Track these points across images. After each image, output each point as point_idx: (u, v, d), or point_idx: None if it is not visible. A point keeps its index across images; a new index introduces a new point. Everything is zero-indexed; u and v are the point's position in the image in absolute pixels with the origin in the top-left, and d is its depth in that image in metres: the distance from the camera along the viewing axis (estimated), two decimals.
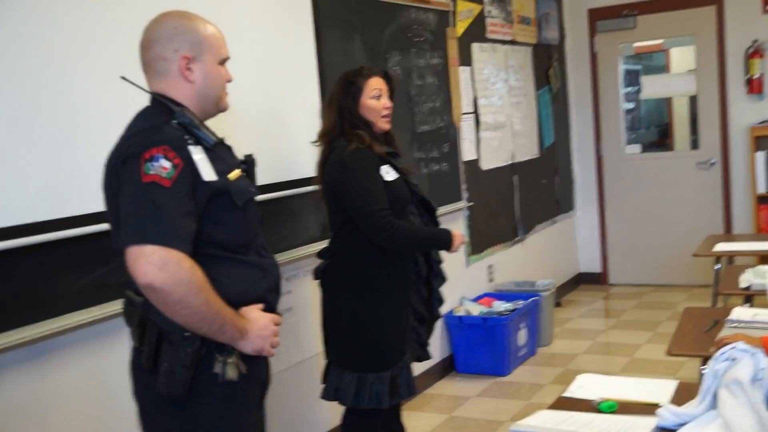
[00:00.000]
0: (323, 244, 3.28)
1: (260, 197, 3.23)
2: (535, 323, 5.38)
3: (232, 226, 2.07)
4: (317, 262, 3.28)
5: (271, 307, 2.17)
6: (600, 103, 7.23)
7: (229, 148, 2.20)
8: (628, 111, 7.50)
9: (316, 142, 3.23)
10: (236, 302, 2.05)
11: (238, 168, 2.13)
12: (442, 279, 3.37)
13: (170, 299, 1.89)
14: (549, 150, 6.75)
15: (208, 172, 2.00)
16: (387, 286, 3.11)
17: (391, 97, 3.24)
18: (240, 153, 2.29)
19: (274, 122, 3.58)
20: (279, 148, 3.60)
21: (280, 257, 3.53)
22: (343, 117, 3.12)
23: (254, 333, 2.06)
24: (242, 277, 2.09)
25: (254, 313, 2.08)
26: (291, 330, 3.77)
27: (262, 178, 3.34)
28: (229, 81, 2.21)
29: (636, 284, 7.23)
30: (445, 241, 3.16)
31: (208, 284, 1.95)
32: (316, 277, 3.23)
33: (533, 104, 6.48)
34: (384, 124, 3.17)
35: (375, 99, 3.14)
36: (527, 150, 6.34)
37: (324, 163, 3.15)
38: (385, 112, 3.16)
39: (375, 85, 3.15)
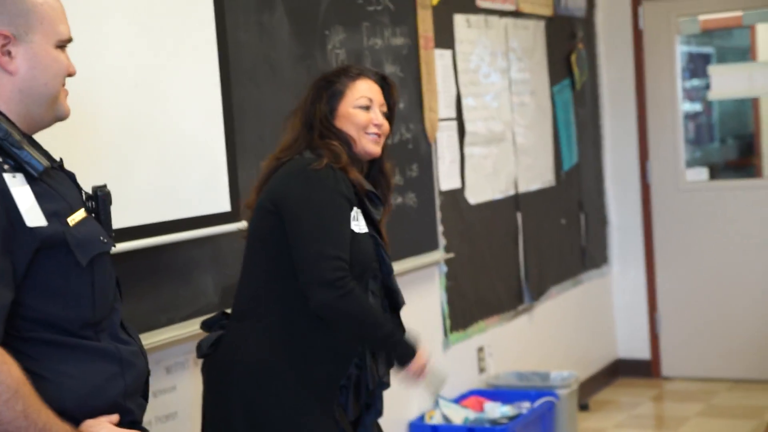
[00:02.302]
0: None
1: (126, 246, 3.26)
2: None
3: (72, 296, 2.08)
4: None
5: (131, 419, 2.17)
6: (647, 105, 7.34)
7: (69, 177, 2.21)
8: (692, 116, 7.60)
9: (268, 161, 3.27)
10: (75, 412, 2.04)
11: (81, 207, 2.14)
12: (377, 412, 3.37)
13: None
14: (570, 175, 6.83)
15: (33, 214, 2.01)
16: (313, 380, 3.11)
17: (391, 116, 3.31)
18: (88, 183, 2.28)
19: (152, 134, 3.57)
20: (158, 172, 3.59)
21: (157, 337, 3.52)
22: (311, 129, 3.18)
23: None
24: (86, 374, 2.09)
25: (103, 429, 2.07)
26: None
27: (130, 216, 3.35)
28: (71, 74, 2.23)
29: (703, 378, 7.28)
30: (406, 353, 3.18)
31: (28, 386, 1.95)
32: (200, 354, 3.23)
33: (547, 106, 6.55)
34: (370, 145, 3.22)
35: (361, 109, 3.20)
36: (537, 175, 6.40)
37: (265, 181, 3.20)
38: (374, 130, 3.22)
39: (363, 90, 3.22)
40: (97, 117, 3.30)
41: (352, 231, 3.08)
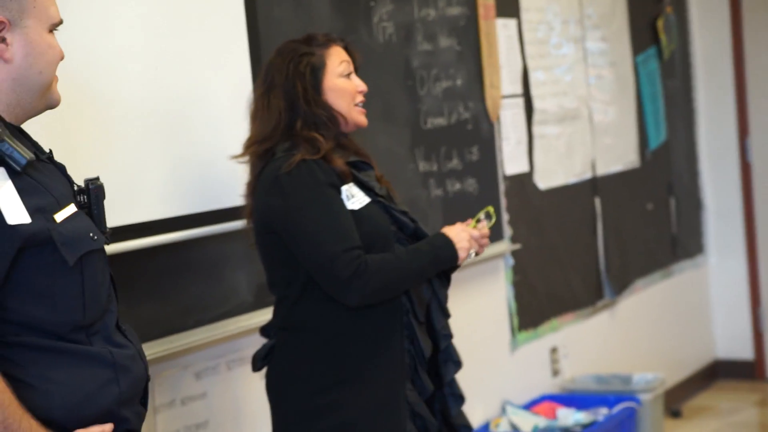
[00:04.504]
0: (261, 315, 3.34)
1: (148, 242, 3.34)
2: None
3: (60, 298, 2.14)
4: (259, 344, 3.37)
5: (127, 428, 2.23)
6: (747, 74, 7.27)
7: (59, 170, 2.27)
8: None
9: (240, 156, 3.35)
10: (65, 422, 2.10)
11: (70, 202, 2.19)
12: (455, 363, 3.41)
13: None
14: (658, 155, 6.80)
15: (15, 211, 2.06)
16: (370, 376, 3.19)
17: None
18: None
19: (175, 121, 3.61)
20: (183, 161, 3.64)
21: (184, 339, 3.57)
22: (294, 111, 3.24)
23: None
24: (76, 380, 2.14)
25: None
26: None
27: (151, 210, 3.41)
28: (62, 59, 2.28)
29: None
30: (447, 255, 3.26)
31: (8, 394, 2.01)
32: (256, 368, 3.34)
33: (629, 79, 6.53)
34: (360, 117, 3.34)
35: (345, 77, 3.29)
36: (619, 155, 6.40)
37: (255, 185, 3.26)
38: (361, 98, 3.33)
39: (341, 56, 3.30)
40: (113, 104, 3.35)
41: (352, 211, 3.16)
